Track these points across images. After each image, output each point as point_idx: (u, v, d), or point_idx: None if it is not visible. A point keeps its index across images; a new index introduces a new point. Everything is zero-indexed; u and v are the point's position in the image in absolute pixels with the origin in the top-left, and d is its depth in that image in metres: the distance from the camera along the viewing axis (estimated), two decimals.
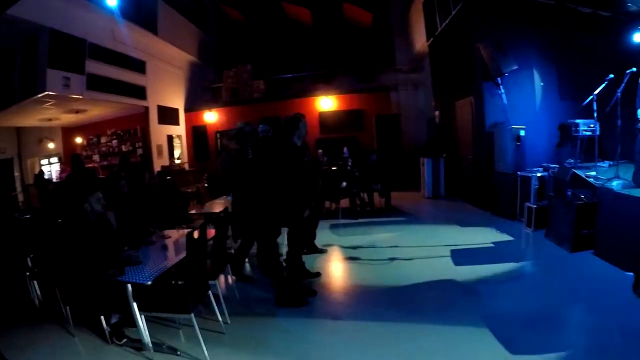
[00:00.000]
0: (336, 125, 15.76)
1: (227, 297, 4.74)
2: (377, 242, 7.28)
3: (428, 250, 6.65)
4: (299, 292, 4.91)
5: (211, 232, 4.51)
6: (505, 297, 4.82)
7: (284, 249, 5.13)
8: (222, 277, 5.62)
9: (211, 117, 16.67)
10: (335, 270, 6.22)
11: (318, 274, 5.63)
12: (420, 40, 13.57)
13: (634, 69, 6.18)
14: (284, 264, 5.27)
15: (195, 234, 3.67)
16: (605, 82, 6.81)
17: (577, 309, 4.55)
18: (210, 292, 4.06)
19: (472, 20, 9.37)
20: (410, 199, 11.90)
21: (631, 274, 4.74)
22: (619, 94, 6.36)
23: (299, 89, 16.50)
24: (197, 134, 16.88)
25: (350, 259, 6.50)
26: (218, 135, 16.65)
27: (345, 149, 11.64)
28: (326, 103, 15.85)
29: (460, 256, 6.23)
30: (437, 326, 4.11)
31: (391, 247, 6.82)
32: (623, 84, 6.33)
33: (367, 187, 10.12)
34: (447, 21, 10.77)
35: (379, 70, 16.11)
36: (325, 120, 15.89)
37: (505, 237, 7.23)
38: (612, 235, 5.60)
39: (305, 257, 5.49)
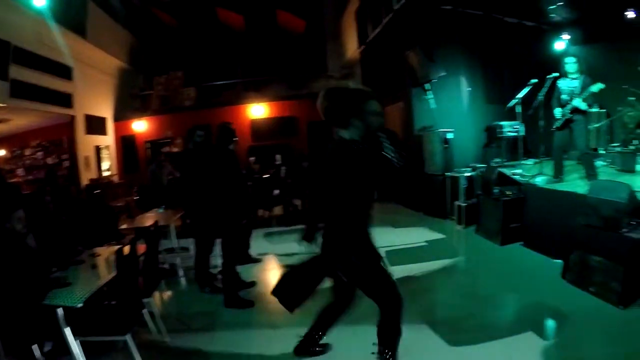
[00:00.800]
0: (268, 133, 15.50)
1: (164, 314, 4.44)
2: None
3: None
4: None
5: (143, 248, 4.20)
6: (441, 292, 4.97)
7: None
8: (157, 294, 5.27)
9: (140, 126, 15.82)
10: (271, 278, 5.88)
11: (253, 283, 5.46)
12: (352, 48, 13.76)
13: (556, 74, 6.52)
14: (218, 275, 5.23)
15: (126, 250, 3.41)
16: (529, 87, 7.24)
17: (512, 298, 4.76)
18: (145, 310, 3.79)
19: (402, 29, 9.55)
20: None
21: (560, 261, 5.03)
22: (540, 97, 6.83)
23: (230, 96, 16.04)
24: (126, 144, 15.93)
25: (286, 266, 6.22)
26: (148, 145, 15.88)
27: (277, 157, 11.45)
28: (258, 110, 15.56)
29: (395, 256, 6.18)
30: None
31: None
32: (545, 88, 6.76)
33: (300, 194, 9.94)
34: (378, 29, 10.95)
35: (311, 77, 16.04)
36: (257, 128, 15.58)
37: (438, 236, 7.40)
38: (539, 226, 6.04)
39: (240, 267, 5.30)
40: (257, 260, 6.57)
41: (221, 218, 4.90)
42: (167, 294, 5.52)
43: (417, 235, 7.45)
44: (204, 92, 16.05)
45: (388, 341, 3.01)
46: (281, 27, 15.70)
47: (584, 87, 5.98)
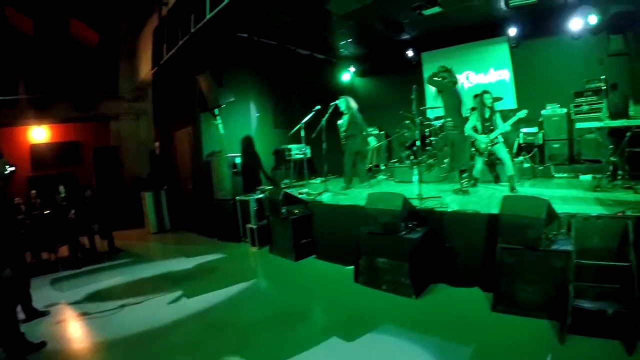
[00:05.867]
0: (52, 160, 12.97)
1: None
2: (105, 290, 6.19)
3: (158, 288, 5.94)
4: None
5: None
6: (246, 314, 4.75)
7: None
8: None
9: None
10: (64, 332, 4.77)
11: (43, 344, 4.28)
12: (146, 68, 12.50)
13: (337, 102, 7.56)
14: None
15: None
16: (312, 113, 7.60)
17: (315, 308, 4.96)
18: None
19: (196, 52, 9.10)
20: (135, 237, 10.62)
21: (351, 267, 5.48)
22: (323, 122, 7.38)
23: (9, 115, 12.52)
24: None
25: (79, 315, 5.23)
26: None
27: (61, 187, 9.80)
28: (40, 134, 12.97)
29: (193, 287, 5.80)
30: None
31: (120, 292, 5.91)
32: (327, 114, 7.41)
33: (86, 230, 8.44)
34: (173, 51, 10.19)
35: (100, 97, 13.91)
36: (38, 154, 12.86)
37: (233, 260, 7.24)
38: (328, 239, 6.52)
39: (23, 326, 4.12)
40: (44, 314, 5.27)
41: None
42: None
43: (213, 262, 7.14)
44: None
45: None
46: (73, 38, 13.33)
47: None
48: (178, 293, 5.65)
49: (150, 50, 11.95)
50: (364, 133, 8.06)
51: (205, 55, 8.95)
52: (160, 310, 5.07)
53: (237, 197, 8.18)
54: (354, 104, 7.98)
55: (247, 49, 9.46)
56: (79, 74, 13.40)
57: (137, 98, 14.14)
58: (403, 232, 4.82)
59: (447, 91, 6.95)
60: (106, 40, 13.50)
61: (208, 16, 8.21)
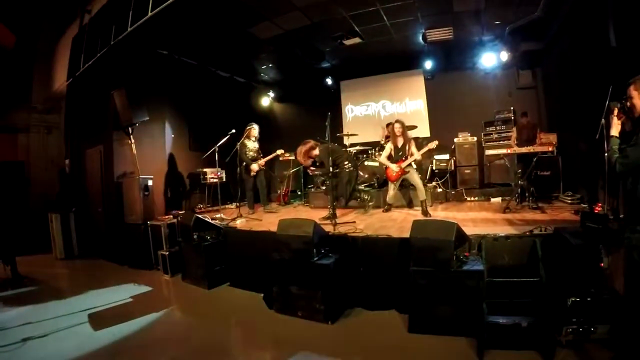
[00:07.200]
0: None
1: None
2: (6, 321, 5.45)
3: (65, 320, 5.33)
4: None
5: None
6: (158, 349, 4.38)
7: None
8: None
9: None
10: None
11: None
12: (61, 78, 11.53)
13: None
14: None
15: None
16: (228, 136, 7.50)
17: (231, 339, 4.73)
18: None
19: (113, 66, 8.56)
20: (41, 263, 9.46)
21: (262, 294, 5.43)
22: (238, 146, 7.43)
23: None
24: None
25: None
26: None
27: None
28: None
29: (101, 320, 5.27)
30: None
31: (23, 325, 5.24)
32: (242, 138, 7.50)
33: None
34: (90, 62, 9.50)
35: (10, 105, 12.43)
36: None
37: (144, 289, 6.69)
38: (242, 265, 6.27)
39: None
40: None
41: None
42: None
43: (122, 292, 6.50)
44: None
45: None
46: None
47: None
48: (85, 325, 5.13)
49: (67, 59, 11.10)
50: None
51: (122, 70, 8.42)
52: (67, 344, 4.56)
53: (149, 222, 7.64)
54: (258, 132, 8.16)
55: (167, 67, 9.07)
56: None
57: (50, 110, 12.90)
58: (315, 258, 4.75)
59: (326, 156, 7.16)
60: (23, 44, 12.28)
61: (129, 29, 7.76)
